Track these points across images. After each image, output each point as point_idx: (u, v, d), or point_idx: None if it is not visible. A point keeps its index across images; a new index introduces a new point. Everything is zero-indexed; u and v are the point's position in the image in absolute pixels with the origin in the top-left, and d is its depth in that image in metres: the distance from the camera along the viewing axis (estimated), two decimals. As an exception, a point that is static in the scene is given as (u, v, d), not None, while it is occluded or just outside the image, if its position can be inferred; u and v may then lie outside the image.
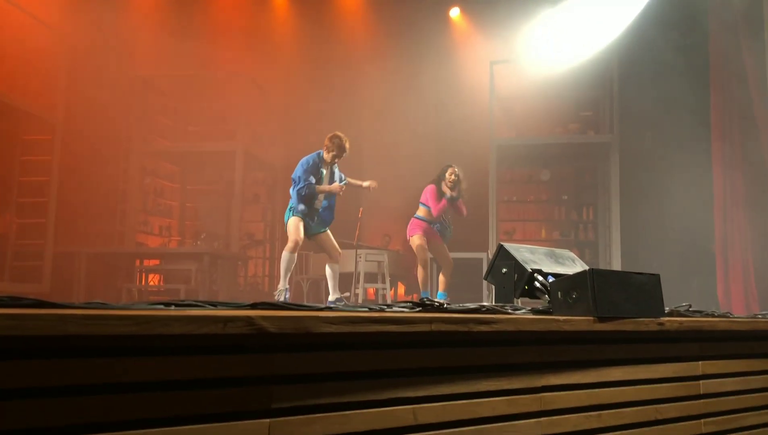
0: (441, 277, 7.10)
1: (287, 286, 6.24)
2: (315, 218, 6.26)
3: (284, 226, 6.32)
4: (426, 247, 6.89)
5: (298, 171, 6.24)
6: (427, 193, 6.91)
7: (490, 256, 3.72)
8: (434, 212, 6.84)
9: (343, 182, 6.49)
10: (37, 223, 8.36)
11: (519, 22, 9.41)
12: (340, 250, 6.55)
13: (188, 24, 9.78)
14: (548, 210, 10.43)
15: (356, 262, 8.32)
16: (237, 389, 1.47)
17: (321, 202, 6.27)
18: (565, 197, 10.33)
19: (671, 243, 9.01)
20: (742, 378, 2.65)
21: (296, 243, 6.13)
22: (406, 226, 7.04)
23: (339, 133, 6.30)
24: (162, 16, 9.49)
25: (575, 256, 3.03)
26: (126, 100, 10.08)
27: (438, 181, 6.92)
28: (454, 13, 10.62)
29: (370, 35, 10.23)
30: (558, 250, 2.97)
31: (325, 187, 6.22)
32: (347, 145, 6.29)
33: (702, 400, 2.48)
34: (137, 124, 10.31)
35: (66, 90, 8.48)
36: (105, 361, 1.31)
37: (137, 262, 9.28)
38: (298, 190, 6.16)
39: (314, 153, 6.34)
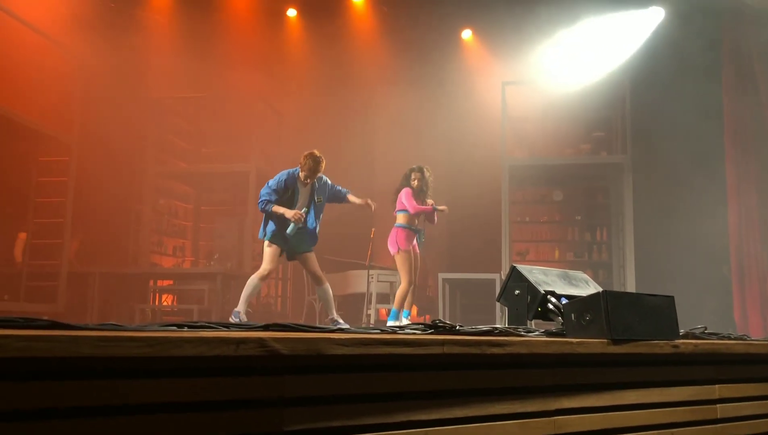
0: (409, 295, 6.48)
1: (242, 312, 5.68)
2: (288, 241, 5.92)
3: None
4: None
5: (265, 185, 5.97)
6: (403, 196, 6.45)
7: (503, 278, 3.71)
8: (412, 211, 6.38)
9: (345, 194, 6.27)
10: (53, 243, 8.43)
11: (530, 43, 9.45)
12: (321, 273, 6.16)
13: (202, 46, 9.89)
14: (561, 231, 10.38)
15: (368, 283, 8.32)
16: (249, 411, 1.47)
17: (291, 225, 5.81)
18: (578, 218, 10.28)
19: (686, 264, 8.93)
20: (759, 402, 2.61)
21: (269, 272, 5.87)
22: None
23: (315, 152, 6.02)
24: (177, 38, 9.60)
25: (589, 277, 3.01)
26: (141, 121, 10.19)
27: (408, 184, 6.52)
28: (466, 34, 10.68)
29: (383, 57, 10.30)
30: (571, 272, 2.96)
31: (280, 208, 5.82)
32: (321, 166, 6.00)
33: (719, 425, 2.44)
34: (152, 146, 10.41)
35: (82, 112, 8.59)
36: (118, 383, 1.32)
37: (151, 283, 9.31)
38: (258, 203, 5.92)
39: (291, 169, 6.08)
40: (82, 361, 1.26)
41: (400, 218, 6.51)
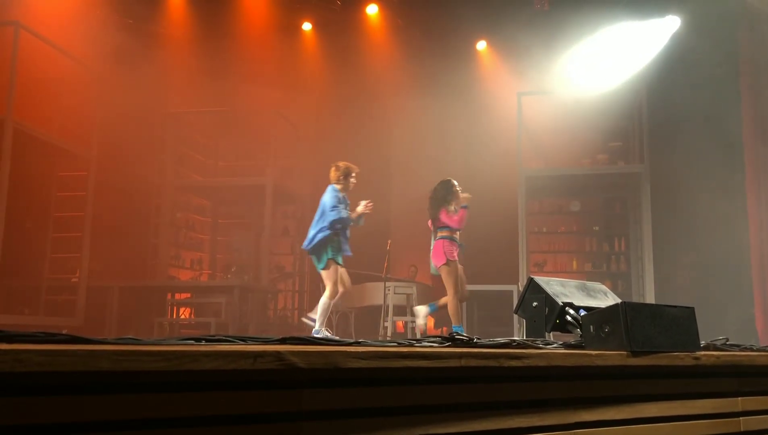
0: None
1: (323, 328, 6.16)
2: (341, 253, 6.28)
3: (312, 263, 6.31)
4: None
5: (328, 203, 6.21)
6: (443, 217, 6.48)
7: (521, 289, 3.69)
8: (458, 225, 6.44)
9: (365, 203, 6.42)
10: (72, 257, 8.52)
11: (546, 53, 9.43)
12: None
13: (218, 60, 9.99)
14: (579, 241, 10.32)
15: (385, 295, 8.30)
16: (266, 425, 1.47)
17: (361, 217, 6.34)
18: (596, 228, 10.22)
19: (706, 274, 8.83)
20: (784, 414, 2.56)
21: (336, 292, 6.16)
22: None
23: (343, 163, 6.39)
24: (193, 53, 9.70)
25: (607, 288, 2.99)
26: (158, 136, 10.29)
27: (445, 205, 6.53)
28: (481, 45, 10.69)
29: (398, 69, 10.33)
30: (590, 283, 2.94)
31: (355, 212, 6.31)
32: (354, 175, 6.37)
33: (742, 438, 2.40)
34: (169, 160, 10.50)
35: (100, 127, 8.69)
36: (136, 397, 1.32)
37: (168, 296, 9.37)
38: (332, 221, 6.13)
39: (330, 188, 6.35)
40: (101, 375, 1.27)
41: (443, 231, 6.51)
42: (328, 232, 6.19)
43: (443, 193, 6.59)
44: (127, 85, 8.88)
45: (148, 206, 10.35)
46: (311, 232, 6.30)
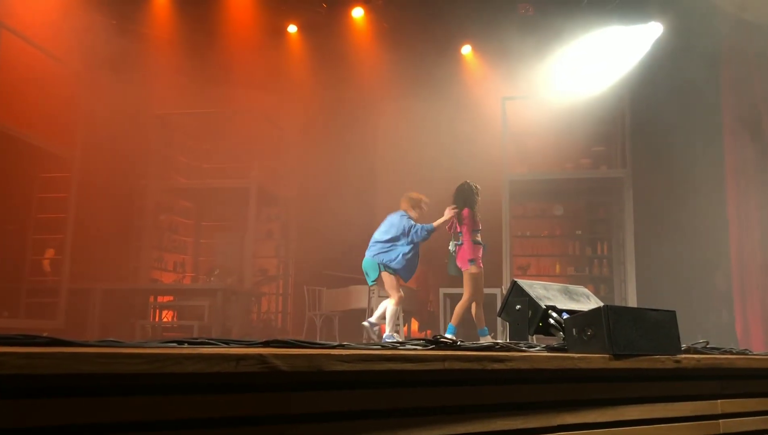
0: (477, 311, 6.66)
1: (393, 333, 6.49)
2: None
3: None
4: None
5: (406, 226, 6.52)
6: (467, 215, 6.58)
7: (504, 293, 3.70)
8: (467, 240, 6.55)
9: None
10: (53, 259, 8.43)
11: (530, 58, 9.49)
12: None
13: (204, 62, 9.95)
14: (562, 245, 10.38)
15: (369, 298, 8.30)
16: (250, 428, 1.46)
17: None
18: (579, 232, 10.29)
19: (687, 278, 8.91)
20: (762, 417, 2.59)
21: (401, 298, 6.54)
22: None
23: (417, 194, 6.78)
24: (178, 54, 9.66)
25: (590, 292, 3.01)
26: (142, 138, 10.23)
27: (472, 204, 6.65)
28: (466, 50, 10.73)
29: (383, 73, 10.35)
30: (572, 287, 2.95)
31: (439, 221, 6.61)
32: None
33: (722, 440, 2.43)
34: (153, 162, 10.44)
35: (83, 128, 8.62)
36: (118, 400, 1.31)
37: (151, 299, 9.30)
38: (419, 234, 6.50)
39: (401, 213, 6.71)
40: (81, 378, 1.26)
41: (468, 234, 6.57)
42: (410, 248, 6.56)
43: (476, 192, 6.76)
44: (111, 86, 8.83)
45: (132, 208, 10.28)
46: (395, 253, 6.55)
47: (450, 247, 6.69)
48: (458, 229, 6.65)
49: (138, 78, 9.81)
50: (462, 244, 6.55)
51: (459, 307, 6.53)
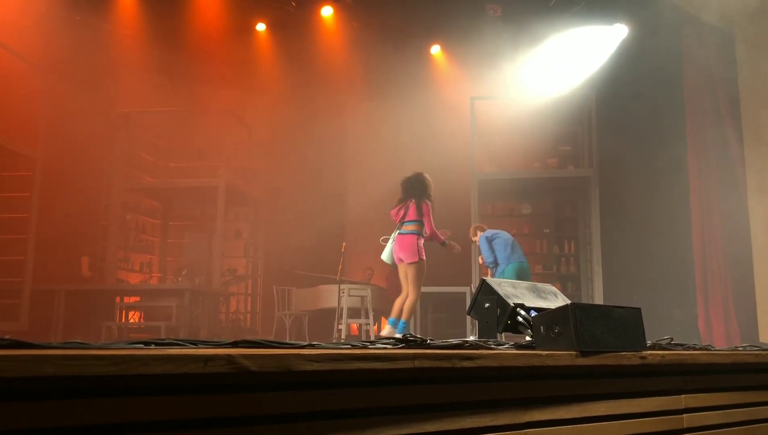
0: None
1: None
2: None
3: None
4: None
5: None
6: (424, 209, 6.42)
7: (473, 291, 3.73)
8: (429, 230, 6.42)
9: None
10: (16, 260, 8.25)
11: (498, 59, 9.57)
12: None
13: (171, 60, 9.83)
14: (530, 243, 10.48)
15: (339, 298, 8.28)
16: (219, 430, 1.45)
17: None
18: (547, 231, 10.40)
19: (652, 276, 9.08)
20: (724, 411, 2.65)
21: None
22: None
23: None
24: (144, 52, 9.52)
25: (557, 290, 3.04)
26: (108, 136, 10.07)
27: (427, 197, 6.51)
28: (435, 50, 10.78)
29: (353, 72, 10.34)
30: (540, 284, 2.98)
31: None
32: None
33: (686, 434, 2.47)
34: (119, 161, 10.28)
35: (47, 126, 8.45)
36: (83, 403, 1.29)
37: (117, 299, 9.16)
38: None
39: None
40: (45, 380, 1.23)
41: (414, 227, 6.40)
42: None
43: (426, 185, 6.56)
44: (75, 83, 8.67)
45: (97, 208, 10.10)
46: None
47: (393, 236, 6.52)
48: (396, 219, 6.54)
49: (103, 75, 9.66)
50: (419, 235, 6.40)
51: (409, 304, 6.36)
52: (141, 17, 9.43)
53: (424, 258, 6.40)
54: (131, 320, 9.46)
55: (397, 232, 6.48)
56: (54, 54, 8.30)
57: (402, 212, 6.51)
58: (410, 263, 6.35)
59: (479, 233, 7.95)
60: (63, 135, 8.49)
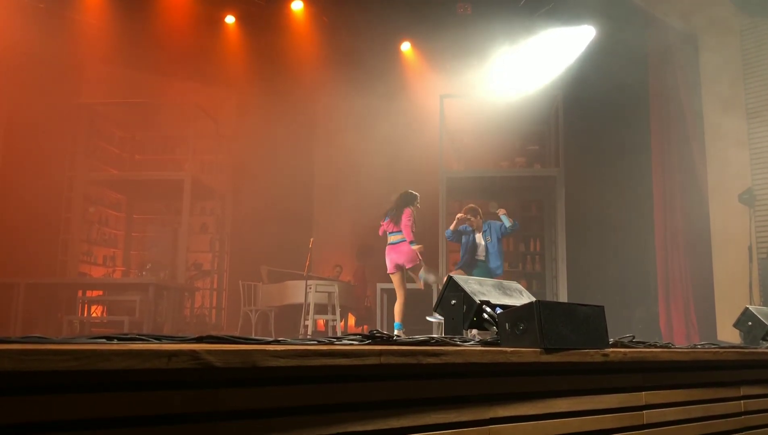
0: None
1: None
2: None
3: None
4: None
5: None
6: (406, 216, 6.99)
7: (440, 288, 3.76)
8: (406, 235, 6.94)
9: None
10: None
11: (468, 57, 9.62)
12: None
13: (137, 51, 9.65)
14: (497, 241, 10.54)
15: (306, 293, 8.26)
16: (182, 426, 1.44)
17: None
18: (513, 229, 10.48)
19: (615, 275, 9.23)
20: (683, 407, 2.71)
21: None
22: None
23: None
24: (110, 42, 9.33)
25: (523, 287, 3.07)
26: (70, 127, 9.87)
27: (411, 204, 7.07)
28: (405, 47, 10.78)
29: (322, 67, 10.29)
30: (506, 282, 3.01)
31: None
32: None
33: (645, 430, 2.52)
34: (81, 152, 10.09)
35: (7, 116, 8.25)
36: (43, 398, 1.27)
37: (79, 293, 8.99)
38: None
39: None
40: (3, 376, 1.21)
41: (404, 236, 6.94)
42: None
43: (414, 197, 7.15)
44: (36, 73, 8.48)
45: (59, 200, 9.90)
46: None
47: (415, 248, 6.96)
48: (389, 228, 7.09)
49: (67, 65, 9.45)
50: (404, 243, 6.94)
51: (399, 306, 6.97)
52: (107, 6, 9.24)
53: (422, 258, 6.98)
54: (93, 315, 9.30)
55: (389, 243, 7.06)
56: (14, 42, 8.09)
57: (392, 225, 7.06)
58: (413, 266, 6.97)
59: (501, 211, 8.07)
60: (23, 125, 8.31)
